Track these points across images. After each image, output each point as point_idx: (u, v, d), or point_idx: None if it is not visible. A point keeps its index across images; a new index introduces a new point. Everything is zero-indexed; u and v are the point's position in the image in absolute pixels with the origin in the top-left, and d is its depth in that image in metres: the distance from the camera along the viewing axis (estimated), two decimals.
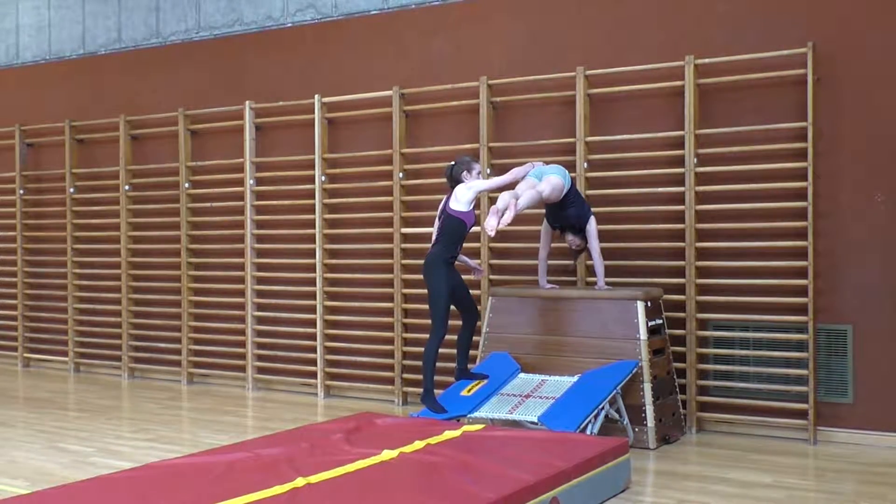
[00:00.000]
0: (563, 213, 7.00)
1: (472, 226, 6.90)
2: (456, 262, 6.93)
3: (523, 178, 6.90)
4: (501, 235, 8.03)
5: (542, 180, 6.83)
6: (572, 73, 7.61)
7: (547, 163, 7.25)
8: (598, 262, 7.05)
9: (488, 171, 7.95)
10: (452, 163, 6.99)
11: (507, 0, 8.18)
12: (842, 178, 6.82)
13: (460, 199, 6.77)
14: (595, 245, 7.01)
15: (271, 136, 9.34)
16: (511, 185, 6.86)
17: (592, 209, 7.60)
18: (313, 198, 8.92)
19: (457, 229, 6.80)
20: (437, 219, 6.92)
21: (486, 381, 6.89)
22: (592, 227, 7.00)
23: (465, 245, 7.04)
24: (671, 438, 6.83)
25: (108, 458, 6.38)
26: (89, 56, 10.68)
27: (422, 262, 7.02)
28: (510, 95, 8.00)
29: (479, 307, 7.27)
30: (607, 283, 7.34)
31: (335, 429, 6.02)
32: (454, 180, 6.90)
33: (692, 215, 7.17)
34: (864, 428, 6.74)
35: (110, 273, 10.34)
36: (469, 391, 6.79)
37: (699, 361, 7.21)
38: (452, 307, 6.92)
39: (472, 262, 7.38)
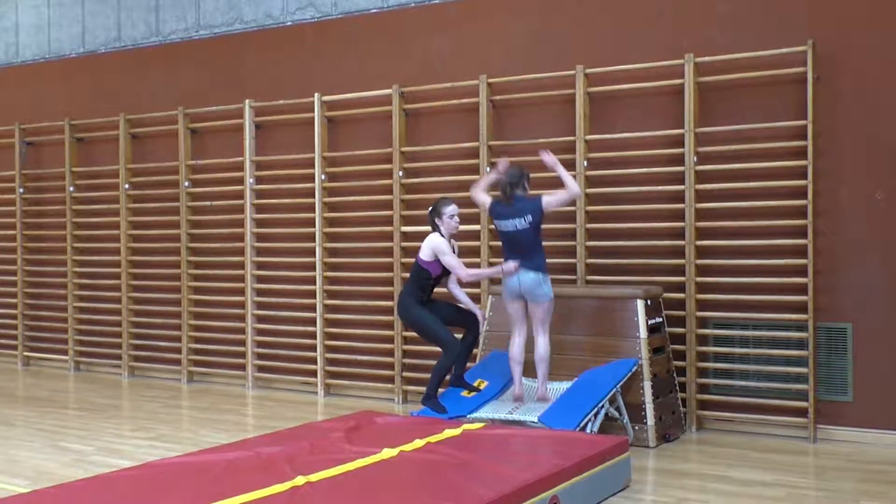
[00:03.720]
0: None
1: (439, 277, 6.81)
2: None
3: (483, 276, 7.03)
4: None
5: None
6: (572, 72, 7.61)
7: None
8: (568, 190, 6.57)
9: (487, 169, 7.95)
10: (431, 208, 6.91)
11: None
12: (841, 177, 6.82)
13: (424, 249, 6.75)
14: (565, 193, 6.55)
15: (271, 135, 9.34)
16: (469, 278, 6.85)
17: (592, 208, 7.62)
18: (313, 196, 8.92)
19: (422, 276, 6.79)
20: None
21: (484, 385, 6.88)
22: (552, 200, 6.55)
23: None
24: (671, 437, 6.83)
25: (109, 457, 6.38)
26: (89, 55, 10.67)
27: None
28: (510, 94, 7.99)
29: (481, 315, 7.14)
30: (607, 282, 7.35)
31: (335, 427, 6.02)
32: (432, 225, 6.85)
33: (692, 213, 7.17)
34: (864, 426, 6.75)
35: (110, 272, 10.34)
36: (469, 392, 6.79)
37: (699, 360, 7.20)
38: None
39: (495, 269, 6.90)
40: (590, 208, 7.59)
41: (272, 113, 9.29)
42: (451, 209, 6.78)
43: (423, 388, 7.94)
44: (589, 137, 7.59)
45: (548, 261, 7.75)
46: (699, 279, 7.18)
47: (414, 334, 8.37)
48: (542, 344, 6.55)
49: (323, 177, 8.87)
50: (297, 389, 9.09)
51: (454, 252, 6.82)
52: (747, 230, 7.05)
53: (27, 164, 11.10)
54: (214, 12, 9.72)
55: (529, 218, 6.45)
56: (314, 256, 8.91)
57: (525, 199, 6.54)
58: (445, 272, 6.82)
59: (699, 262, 7.18)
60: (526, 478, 4.69)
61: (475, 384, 6.85)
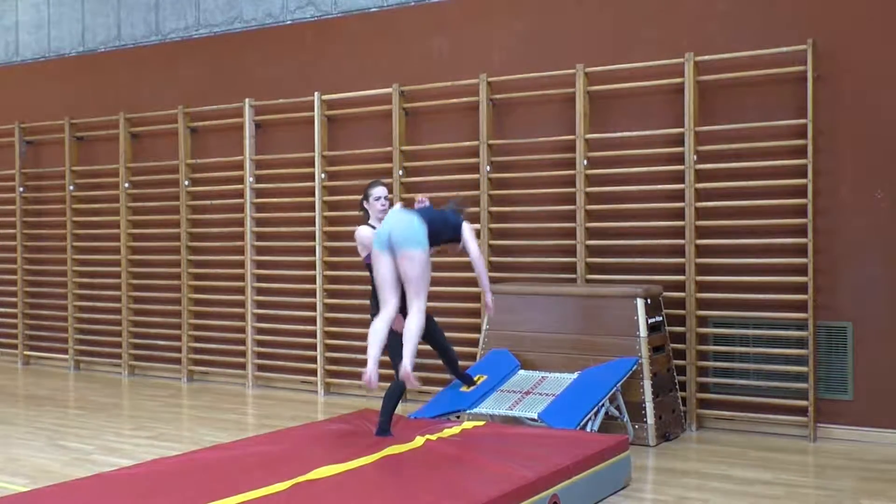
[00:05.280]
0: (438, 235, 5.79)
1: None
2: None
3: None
4: (502, 233, 8.05)
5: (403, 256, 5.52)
6: (572, 71, 7.61)
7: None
8: (481, 272, 5.95)
9: (487, 168, 7.96)
10: None
11: None
12: (842, 175, 6.82)
13: (359, 249, 5.97)
14: (474, 249, 5.86)
15: (271, 134, 9.34)
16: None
17: (592, 207, 7.61)
18: (313, 195, 8.92)
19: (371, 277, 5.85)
20: None
21: (483, 379, 6.88)
22: (468, 230, 5.85)
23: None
24: (671, 435, 6.83)
25: (109, 456, 6.38)
26: (89, 53, 10.67)
27: None
28: (510, 93, 7.99)
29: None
30: (607, 281, 7.34)
31: (335, 426, 6.02)
32: (362, 210, 6.11)
33: (692, 212, 7.17)
34: (864, 425, 6.75)
35: (110, 271, 10.34)
36: (468, 387, 6.80)
37: (699, 358, 7.20)
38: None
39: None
40: (590, 207, 7.59)
41: (272, 112, 9.29)
42: (379, 191, 6.01)
43: (422, 388, 7.95)
44: (589, 136, 7.59)
45: (546, 260, 7.79)
46: (699, 278, 7.18)
47: None
48: (413, 318, 5.46)
49: (323, 176, 8.87)
50: (297, 388, 9.09)
51: None
52: (747, 229, 7.05)
53: (27, 164, 11.10)
54: (214, 11, 9.72)
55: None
56: (314, 256, 8.91)
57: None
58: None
59: (699, 260, 7.18)
60: (526, 476, 4.69)
61: (474, 379, 6.86)
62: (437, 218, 5.74)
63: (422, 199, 6.07)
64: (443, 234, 5.73)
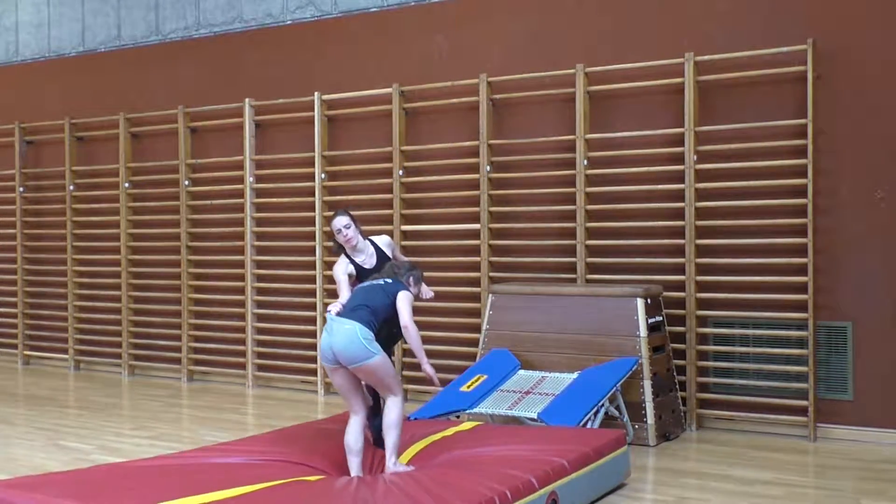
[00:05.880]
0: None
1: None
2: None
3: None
4: (502, 233, 8.05)
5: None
6: (572, 71, 7.61)
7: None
8: (414, 345, 5.16)
9: (487, 168, 7.96)
10: None
11: None
12: (842, 175, 6.82)
13: None
14: (404, 319, 5.11)
15: (271, 134, 9.34)
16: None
17: (592, 207, 7.61)
18: (313, 195, 8.92)
19: None
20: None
21: (483, 379, 6.88)
22: (402, 299, 5.16)
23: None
24: (671, 435, 6.83)
25: (109, 456, 6.37)
26: (89, 53, 10.67)
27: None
28: (510, 93, 7.99)
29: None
30: (607, 281, 7.33)
31: (332, 426, 6.01)
32: None
33: (692, 212, 7.17)
34: (864, 425, 6.74)
35: (110, 271, 10.35)
36: (469, 387, 6.79)
37: (699, 358, 7.20)
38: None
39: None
40: (590, 207, 7.59)
41: (272, 112, 9.29)
42: (335, 223, 5.66)
43: (422, 388, 7.97)
44: (589, 136, 7.59)
45: (546, 260, 7.79)
46: (699, 278, 7.18)
47: None
48: (391, 408, 5.06)
49: (323, 176, 8.87)
50: (297, 388, 9.09)
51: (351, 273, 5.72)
52: (747, 229, 7.05)
53: (27, 164, 11.10)
54: (214, 11, 9.72)
55: (391, 289, 5.23)
56: (314, 256, 8.91)
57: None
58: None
59: (699, 260, 7.18)
60: (524, 475, 4.67)
61: (473, 380, 6.85)
62: (381, 304, 5.13)
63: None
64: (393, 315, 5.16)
